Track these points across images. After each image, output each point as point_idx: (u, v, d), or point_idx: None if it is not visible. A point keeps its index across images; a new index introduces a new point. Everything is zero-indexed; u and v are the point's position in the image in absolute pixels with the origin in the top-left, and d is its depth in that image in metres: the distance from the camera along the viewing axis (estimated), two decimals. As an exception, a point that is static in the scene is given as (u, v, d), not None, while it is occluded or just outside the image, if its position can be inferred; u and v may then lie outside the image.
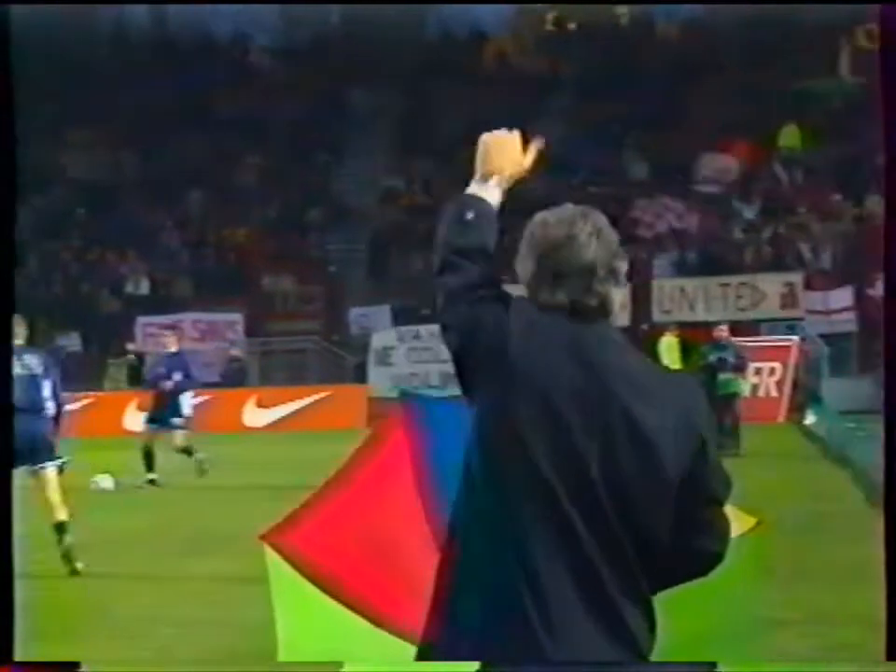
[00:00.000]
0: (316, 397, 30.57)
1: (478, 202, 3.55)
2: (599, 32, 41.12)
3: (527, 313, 3.28)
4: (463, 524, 3.22)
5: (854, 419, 22.62)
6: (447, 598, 3.20)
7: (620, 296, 3.33)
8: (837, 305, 31.06)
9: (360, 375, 32.33)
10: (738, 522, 4.26)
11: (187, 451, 18.61)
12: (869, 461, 16.54)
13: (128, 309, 35.36)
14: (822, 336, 30.30)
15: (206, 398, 30.86)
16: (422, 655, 3.26)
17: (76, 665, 4.37)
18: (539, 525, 3.12)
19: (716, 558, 3.30)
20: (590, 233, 3.29)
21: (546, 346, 3.21)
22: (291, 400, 30.65)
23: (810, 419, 26.23)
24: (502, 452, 3.16)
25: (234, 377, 32.28)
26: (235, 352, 33.16)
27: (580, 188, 37.92)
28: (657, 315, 32.49)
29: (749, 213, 35.13)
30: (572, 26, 42.50)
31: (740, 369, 21.64)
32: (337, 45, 42.01)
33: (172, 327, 24.12)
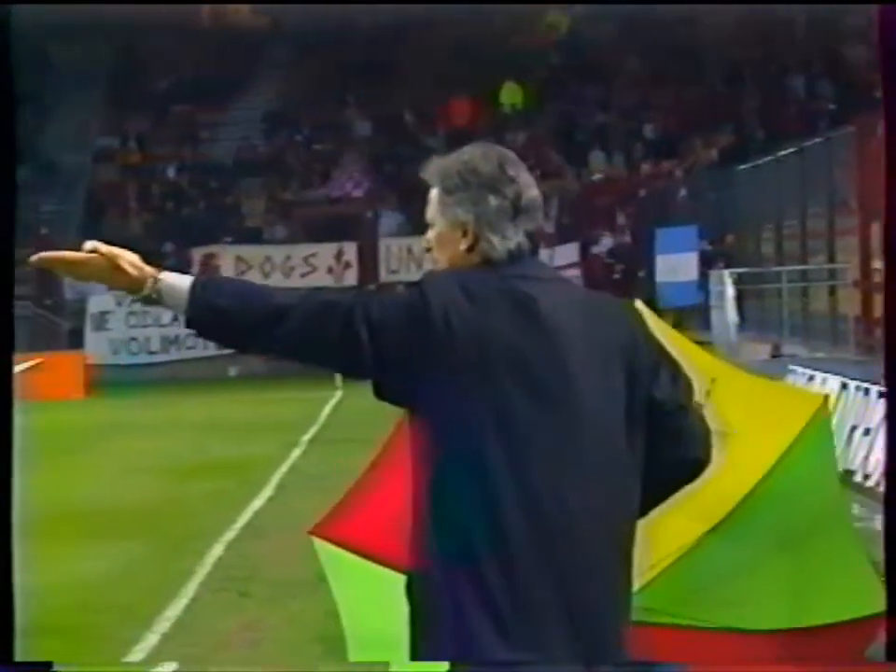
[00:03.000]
0: (27, 364, 29.78)
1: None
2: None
3: (450, 284, 3.17)
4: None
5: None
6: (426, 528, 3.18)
7: (539, 231, 3.39)
8: (563, 262, 31.82)
9: (76, 341, 31.66)
10: (805, 402, 4.41)
11: None
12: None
13: None
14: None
15: None
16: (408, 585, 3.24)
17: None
18: (513, 487, 3.10)
19: (699, 462, 3.36)
20: (527, 169, 3.34)
21: (483, 310, 3.13)
22: None
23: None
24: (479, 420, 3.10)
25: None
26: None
27: (303, 144, 37.94)
28: (384, 275, 32.73)
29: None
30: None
31: None
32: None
33: None
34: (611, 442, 3.19)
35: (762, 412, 4.31)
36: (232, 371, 28.80)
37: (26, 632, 7.63)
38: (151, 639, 7.45)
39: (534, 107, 36.88)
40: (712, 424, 3.71)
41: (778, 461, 4.20)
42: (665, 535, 3.98)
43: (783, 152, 23.24)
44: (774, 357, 19.35)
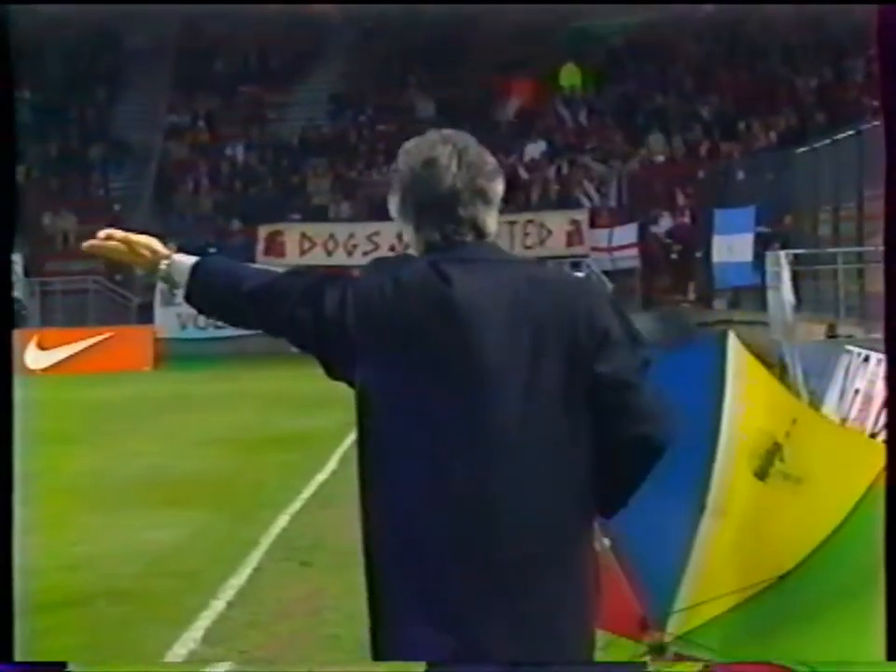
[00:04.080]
0: (101, 337, 30.05)
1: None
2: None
3: (381, 275, 3.27)
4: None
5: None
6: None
7: (492, 217, 3.33)
8: (621, 242, 31.70)
9: (146, 316, 31.89)
10: (873, 453, 4.21)
11: None
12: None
13: None
14: (606, 273, 30.90)
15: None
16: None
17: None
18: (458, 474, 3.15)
19: (648, 439, 3.23)
20: (450, 154, 3.26)
21: (404, 294, 3.20)
22: (73, 342, 30.07)
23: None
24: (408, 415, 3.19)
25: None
26: (13, 292, 32.37)
27: (367, 125, 37.98)
28: (444, 254, 32.76)
29: (534, 151, 35.55)
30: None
31: None
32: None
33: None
34: (539, 422, 3.15)
35: (837, 459, 4.22)
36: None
37: (96, 597, 7.73)
38: (217, 606, 7.51)
39: (593, 89, 36.73)
40: (790, 468, 3.78)
41: (852, 511, 4.09)
42: (727, 574, 3.97)
43: (841, 135, 23.02)
44: (829, 337, 19.19)
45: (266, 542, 9.58)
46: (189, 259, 3.40)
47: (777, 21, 33.84)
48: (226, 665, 6.31)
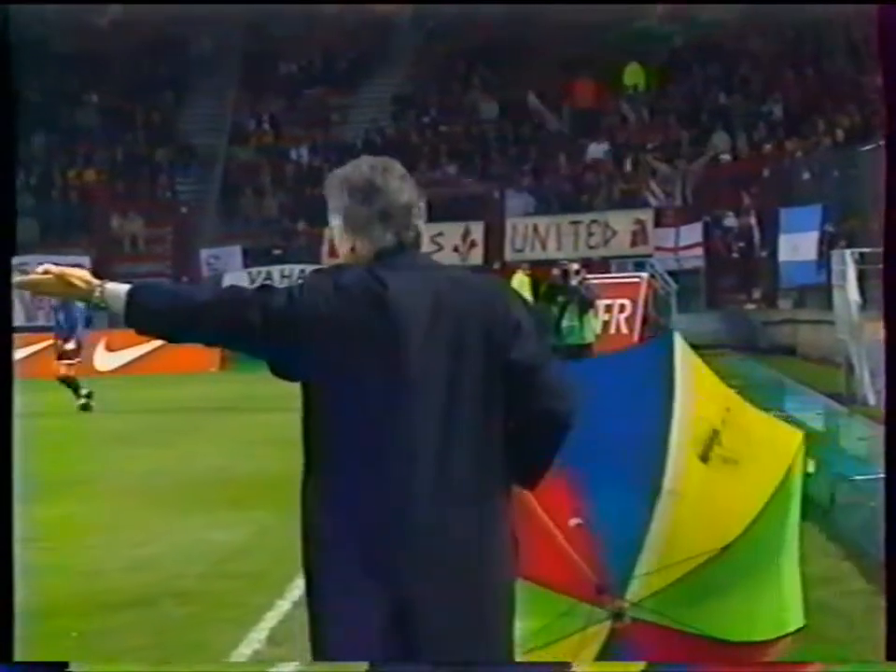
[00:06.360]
0: (166, 339, 30.25)
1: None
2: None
3: (324, 281, 3.65)
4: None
5: (701, 354, 23.04)
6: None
7: (423, 229, 3.81)
8: (686, 242, 31.54)
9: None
10: (789, 437, 4.86)
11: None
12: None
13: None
14: (671, 272, 30.77)
15: (53, 342, 30.44)
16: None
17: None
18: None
19: (557, 412, 3.70)
20: (401, 177, 3.75)
21: (345, 299, 3.60)
22: (141, 343, 30.28)
23: (659, 355, 26.59)
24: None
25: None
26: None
27: (431, 126, 38.03)
28: (509, 254, 32.71)
29: (597, 151, 35.45)
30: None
31: (589, 304, 20.31)
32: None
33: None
34: (462, 406, 3.60)
35: (764, 444, 4.78)
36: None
37: (160, 598, 7.76)
38: (282, 606, 7.51)
39: (657, 88, 36.58)
40: (727, 452, 4.43)
41: (777, 490, 4.64)
42: (679, 547, 4.44)
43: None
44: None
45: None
46: (122, 287, 3.70)
47: (842, 19, 33.53)
48: (292, 665, 6.30)
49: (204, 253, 34.75)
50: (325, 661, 3.71)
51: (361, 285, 3.61)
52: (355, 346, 3.57)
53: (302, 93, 39.48)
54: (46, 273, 3.74)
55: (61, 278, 3.72)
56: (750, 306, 30.39)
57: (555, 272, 19.91)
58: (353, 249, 3.73)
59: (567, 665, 4.06)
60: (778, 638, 4.61)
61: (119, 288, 3.69)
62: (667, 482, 4.44)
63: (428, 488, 3.55)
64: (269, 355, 3.68)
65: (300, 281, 3.76)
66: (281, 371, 3.70)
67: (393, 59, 39.72)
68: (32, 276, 3.78)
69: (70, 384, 20.55)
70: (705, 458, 4.58)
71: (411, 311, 3.59)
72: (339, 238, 3.76)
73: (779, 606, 4.64)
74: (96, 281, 3.73)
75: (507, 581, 3.70)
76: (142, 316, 3.67)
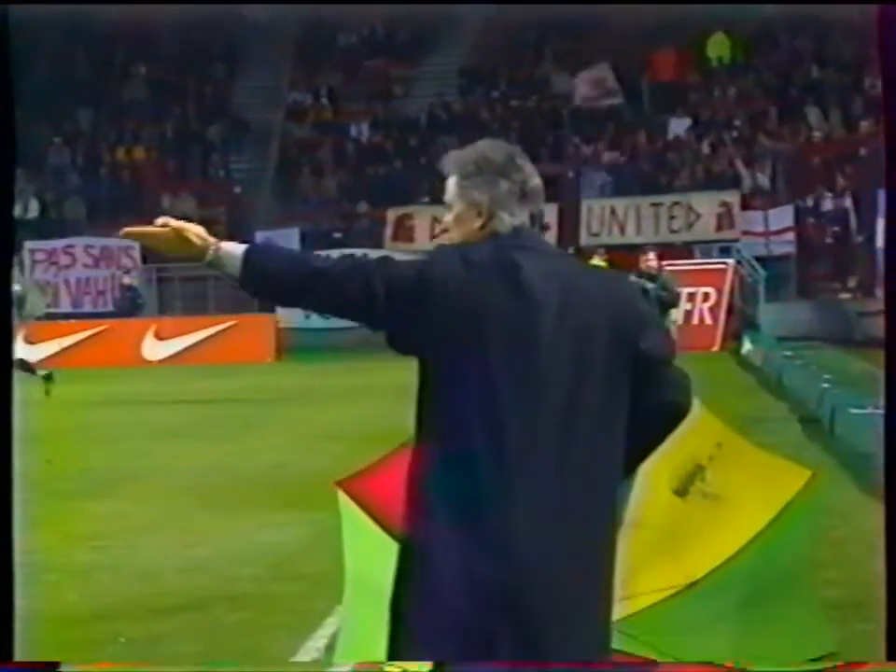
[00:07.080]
0: (221, 327, 30.44)
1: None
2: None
3: (453, 256, 3.77)
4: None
5: (791, 347, 22.92)
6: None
7: (543, 213, 4.05)
8: (777, 226, 31.27)
9: (266, 305, 32.20)
10: (793, 475, 5.10)
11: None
12: (806, 391, 16.77)
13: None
14: (759, 259, 30.57)
15: (101, 329, 30.73)
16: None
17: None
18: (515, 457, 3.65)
19: (678, 405, 3.96)
20: (520, 155, 4.01)
21: (477, 276, 3.71)
22: (193, 331, 30.49)
23: (746, 347, 26.51)
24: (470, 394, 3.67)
25: (129, 307, 32.06)
26: (130, 280, 32.90)
27: (500, 101, 37.94)
28: (585, 239, 32.62)
29: (679, 128, 35.26)
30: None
31: (670, 304, 19.98)
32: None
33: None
34: (588, 391, 3.73)
35: (756, 481, 5.04)
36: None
37: (214, 601, 7.82)
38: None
39: (743, 61, 36.31)
40: (709, 487, 4.70)
41: (766, 528, 4.90)
42: (643, 579, 4.68)
43: None
44: None
45: (393, 544, 9.58)
46: (240, 247, 3.82)
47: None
48: (347, 667, 6.31)
49: (260, 236, 34.80)
50: (411, 661, 3.75)
51: (495, 263, 3.75)
52: (485, 324, 3.69)
53: (363, 65, 39.49)
54: (164, 225, 3.83)
55: (178, 233, 3.82)
56: (845, 295, 30.14)
57: (645, 263, 19.52)
58: (482, 227, 3.85)
59: (654, 662, 4.22)
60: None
61: (234, 248, 3.82)
62: (629, 513, 4.56)
63: (549, 474, 3.65)
64: (390, 326, 3.78)
65: (416, 257, 3.84)
66: (400, 345, 3.80)
67: (460, 28, 39.62)
68: (147, 227, 3.86)
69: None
70: (682, 493, 4.90)
71: (543, 293, 3.73)
72: (464, 215, 3.87)
73: (776, 636, 4.91)
74: (212, 239, 3.83)
75: (612, 569, 3.83)
76: (259, 278, 3.80)
